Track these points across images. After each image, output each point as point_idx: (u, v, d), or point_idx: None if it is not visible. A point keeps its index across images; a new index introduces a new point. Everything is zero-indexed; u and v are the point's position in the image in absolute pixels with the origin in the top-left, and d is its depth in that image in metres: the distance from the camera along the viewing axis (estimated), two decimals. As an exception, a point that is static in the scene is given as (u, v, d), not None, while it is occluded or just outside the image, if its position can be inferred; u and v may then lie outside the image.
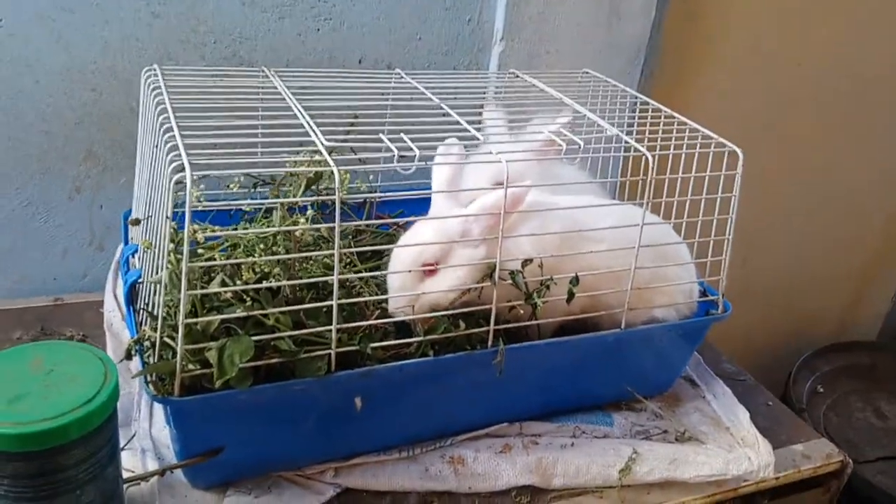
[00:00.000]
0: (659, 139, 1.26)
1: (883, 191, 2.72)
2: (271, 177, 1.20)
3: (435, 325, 1.13)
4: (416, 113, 1.21)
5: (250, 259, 0.98)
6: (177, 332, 0.97)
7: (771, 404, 1.51)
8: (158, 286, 0.98)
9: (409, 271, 1.12)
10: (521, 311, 1.16)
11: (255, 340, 0.99)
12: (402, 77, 1.43)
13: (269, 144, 1.07)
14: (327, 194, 1.10)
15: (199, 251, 0.99)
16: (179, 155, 0.94)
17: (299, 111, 1.14)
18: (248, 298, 1.00)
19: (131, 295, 1.16)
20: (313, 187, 1.10)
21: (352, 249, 1.09)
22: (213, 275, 1.04)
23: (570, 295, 1.16)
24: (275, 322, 1.02)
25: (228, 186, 1.11)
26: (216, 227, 1.04)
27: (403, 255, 1.13)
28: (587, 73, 1.61)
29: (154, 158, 1.09)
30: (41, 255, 1.56)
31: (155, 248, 1.03)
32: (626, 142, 1.20)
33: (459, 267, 1.12)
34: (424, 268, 1.12)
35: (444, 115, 1.23)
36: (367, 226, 1.42)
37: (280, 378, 1.03)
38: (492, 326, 1.15)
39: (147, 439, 1.20)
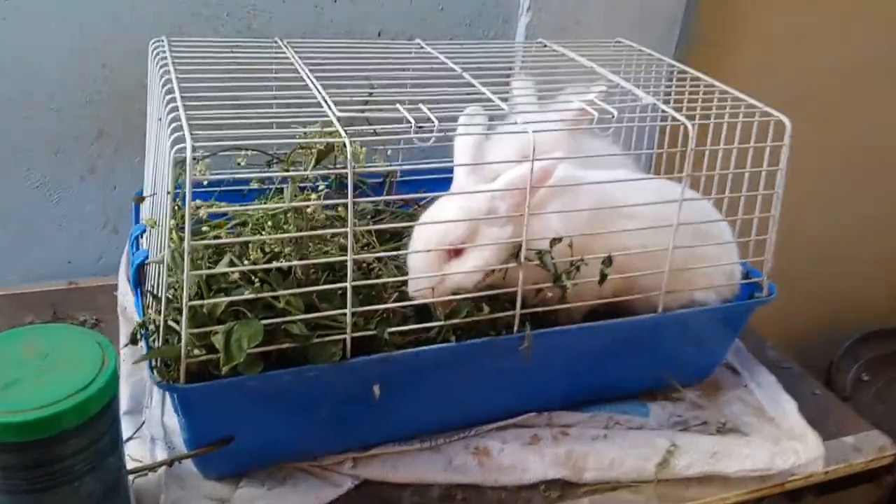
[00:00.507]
0: (699, 109, 1.16)
1: (933, 169, 2.58)
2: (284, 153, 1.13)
3: (457, 309, 1.05)
4: (437, 83, 1.13)
5: (256, 237, 0.91)
6: (181, 316, 0.91)
7: (818, 393, 1.41)
8: (161, 266, 0.92)
9: (431, 251, 1.05)
10: (550, 294, 1.09)
11: (264, 324, 0.93)
12: (422, 47, 1.35)
13: (280, 118, 1.01)
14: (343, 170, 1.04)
15: (205, 229, 0.93)
16: (181, 127, 0.88)
17: (312, 82, 1.08)
18: (257, 280, 0.94)
19: (139, 276, 1.10)
20: (327, 163, 1.03)
21: (368, 227, 1.02)
22: (221, 254, 0.98)
23: (603, 277, 1.08)
24: (286, 305, 0.96)
25: (238, 163, 1.05)
26: (222, 204, 0.98)
27: (426, 235, 1.06)
28: (620, 41, 1.51)
29: (158, 133, 1.03)
30: (55, 237, 1.52)
31: (159, 226, 0.97)
32: (663, 111, 1.12)
33: (485, 247, 1.05)
34: (449, 247, 1.05)
35: (467, 85, 1.16)
36: (386, 205, 1.35)
37: (292, 364, 0.97)
38: (518, 310, 1.08)
39: (158, 427, 1.15)
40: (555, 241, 1.06)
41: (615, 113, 1.06)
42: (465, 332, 1.07)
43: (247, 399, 0.99)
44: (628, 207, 1.13)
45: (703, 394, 1.34)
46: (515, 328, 1.08)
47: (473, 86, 1.14)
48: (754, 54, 2.05)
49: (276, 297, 0.95)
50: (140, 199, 1.10)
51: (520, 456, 1.14)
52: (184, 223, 0.86)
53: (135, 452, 1.08)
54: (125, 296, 1.39)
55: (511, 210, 1.06)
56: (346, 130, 0.92)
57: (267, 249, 0.97)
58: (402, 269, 1.12)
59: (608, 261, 1.09)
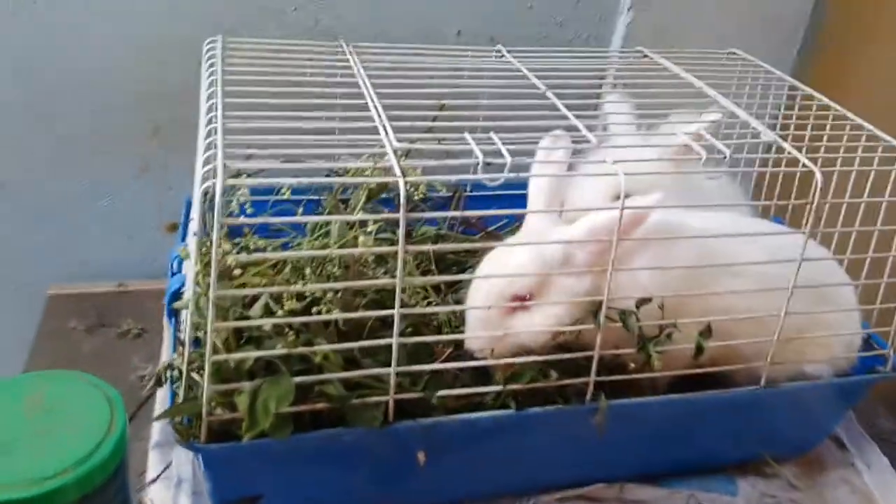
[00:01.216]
0: (822, 150, 0.97)
1: None
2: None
3: (520, 372, 0.91)
4: (516, 104, 0.98)
5: (293, 287, 0.79)
6: (204, 369, 0.80)
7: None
8: (188, 310, 0.81)
9: (492, 307, 0.90)
10: (632, 364, 0.93)
11: (297, 381, 0.81)
12: (502, 55, 1.20)
13: (334, 144, 0.88)
14: (397, 203, 0.90)
15: (237, 270, 0.82)
16: (214, 156, 0.77)
17: (372, 100, 0.94)
18: (292, 331, 0.82)
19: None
20: (380, 195, 0.90)
21: (424, 280, 0.88)
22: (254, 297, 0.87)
23: (699, 350, 0.91)
24: (323, 360, 0.83)
25: (279, 192, 0.93)
26: (257, 241, 0.86)
27: (488, 285, 0.91)
28: (734, 53, 1.31)
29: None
30: (106, 237, 1.45)
31: (189, 262, 0.86)
32: (786, 150, 0.93)
33: (557, 303, 0.90)
34: (514, 303, 0.90)
35: (550, 107, 1.00)
36: (450, 227, 1.21)
37: (327, 423, 0.86)
38: (592, 377, 0.92)
39: (187, 465, 1.06)
40: (643, 301, 0.90)
41: (728, 153, 0.89)
42: (527, 396, 0.93)
43: (274, 461, 0.88)
44: (737, 263, 0.95)
45: (801, 471, 1.16)
46: (588, 396, 0.94)
47: (557, 108, 0.99)
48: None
49: (308, 350, 0.83)
50: (172, 226, 0.99)
51: (583, 537, 1.00)
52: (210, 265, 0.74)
53: (157, 496, 0.99)
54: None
55: (591, 260, 0.90)
56: (401, 167, 0.78)
57: (307, 294, 0.85)
58: (459, 315, 0.98)
59: (708, 331, 0.92)
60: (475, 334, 0.91)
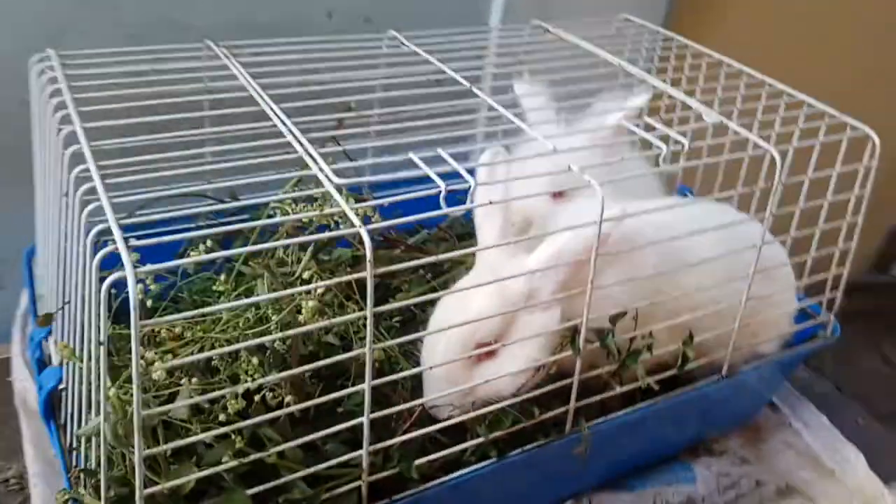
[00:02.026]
0: (776, 128, 0.93)
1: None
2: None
3: (498, 419, 0.80)
4: (426, 94, 0.85)
5: (238, 386, 0.62)
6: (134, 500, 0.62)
7: (862, 422, 1.25)
8: (94, 439, 0.62)
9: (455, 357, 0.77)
10: (616, 385, 0.85)
11: (252, 494, 0.65)
12: (397, 40, 1.05)
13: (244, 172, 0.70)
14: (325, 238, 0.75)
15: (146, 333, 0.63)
16: (108, 230, 0.57)
17: (271, 109, 0.76)
18: (236, 434, 0.65)
19: (52, 404, 0.79)
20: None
21: (395, 341, 0.72)
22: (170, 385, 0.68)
23: (685, 360, 0.85)
24: (279, 461, 0.67)
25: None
26: (169, 326, 0.67)
27: (446, 337, 0.78)
28: (629, 20, 1.25)
29: (64, 212, 0.71)
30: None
31: (78, 358, 0.66)
32: (735, 132, 0.87)
33: (526, 342, 0.79)
34: (479, 351, 0.78)
35: (469, 95, 0.88)
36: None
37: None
38: (572, 405, 0.83)
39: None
40: (617, 316, 0.82)
41: (686, 143, 0.81)
42: (506, 439, 0.82)
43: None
44: (690, 256, 0.89)
45: (745, 442, 1.15)
46: (569, 426, 0.85)
47: (482, 103, 0.86)
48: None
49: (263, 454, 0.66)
50: (45, 320, 0.77)
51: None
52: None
53: None
54: (23, 382, 1.06)
55: (558, 290, 0.79)
56: (355, 211, 0.63)
57: (243, 377, 0.68)
58: (414, 358, 0.85)
59: (690, 339, 0.85)
60: (440, 394, 0.78)
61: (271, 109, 0.79)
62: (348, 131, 0.85)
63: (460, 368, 0.78)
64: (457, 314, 0.78)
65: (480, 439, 0.79)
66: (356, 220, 0.62)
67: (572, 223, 0.76)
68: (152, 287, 0.71)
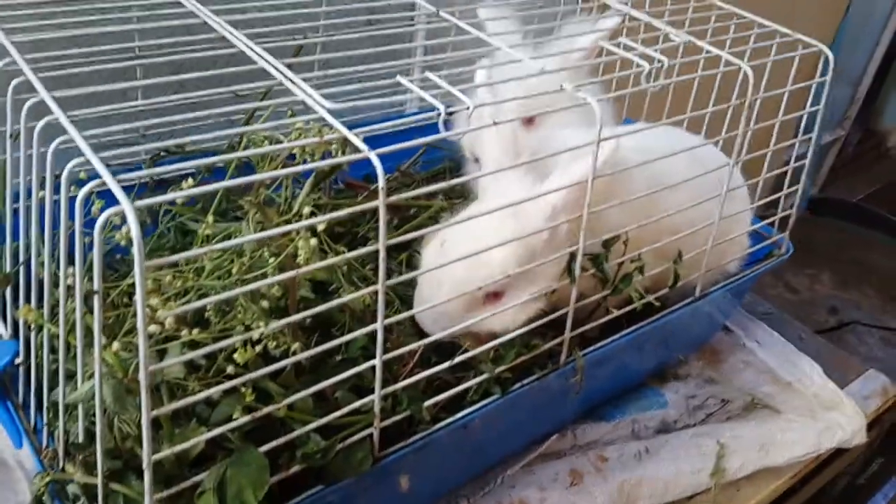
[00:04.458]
0: (728, 43, 0.93)
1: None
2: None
3: (502, 354, 0.77)
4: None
5: (247, 333, 0.56)
6: (131, 469, 0.55)
7: (805, 337, 1.31)
8: (81, 408, 0.55)
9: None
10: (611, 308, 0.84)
11: (265, 450, 0.60)
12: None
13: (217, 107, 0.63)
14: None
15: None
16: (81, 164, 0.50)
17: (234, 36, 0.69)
18: (246, 388, 0.59)
19: (3, 384, 0.70)
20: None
21: (403, 278, 0.66)
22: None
23: (675, 280, 0.85)
24: (288, 413, 0.62)
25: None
26: (165, 271, 0.59)
27: (455, 279, 0.74)
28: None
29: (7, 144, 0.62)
30: None
31: (48, 322, 0.58)
32: (707, 51, 0.87)
33: (536, 278, 0.76)
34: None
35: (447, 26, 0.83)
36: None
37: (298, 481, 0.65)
38: (567, 334, 0.82)
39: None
40: (611, 241, 0.81)
41: (666, 62, 0.80)
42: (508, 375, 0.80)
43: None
44: (671, 179, 0.89)
45: (706, 363, 1.19)
46: (563, 356, 0.83)
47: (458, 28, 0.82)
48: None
49: (274, 407, 0.61)
50: (4, 280, 0.67)
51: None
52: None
53: None
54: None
55: (572, 224, 0.77)
56: (360, 138, 0.58)
57: (246, 325, 0.62)
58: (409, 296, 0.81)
59: (679, 258, 0.85)
60: (440, 328, 0.74)
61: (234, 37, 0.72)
62: (304, 59, 0.78)
63: (465, 306, 0.75)
64: (467, 249, 0.73)
65: (486, 375, 0.76)
66: (361, 145, 0.57)
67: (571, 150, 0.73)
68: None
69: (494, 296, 0.76)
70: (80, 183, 0.51)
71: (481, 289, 0.73)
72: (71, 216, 0.53)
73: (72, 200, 0.51)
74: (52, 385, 0.62)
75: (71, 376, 0.60)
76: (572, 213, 0.74)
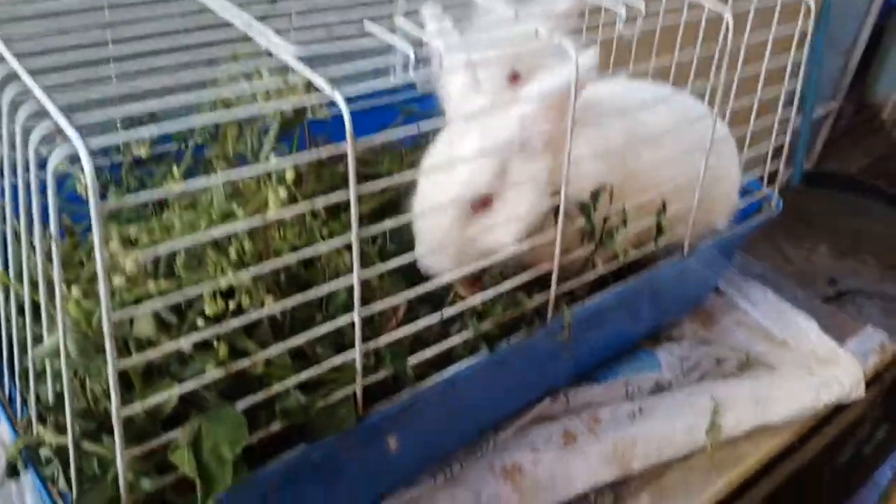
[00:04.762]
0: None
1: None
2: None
3: (488, 309, 0.76)
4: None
5: (216, 281, 0.54)
6: (104, 430, 0.54)
7: (800, 297, 1.30)
8: (49, 359, 0.53)
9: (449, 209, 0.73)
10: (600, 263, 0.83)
11: (243, 409, 0.58)
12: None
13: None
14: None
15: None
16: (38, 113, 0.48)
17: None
18: (221, 342, 0.58)
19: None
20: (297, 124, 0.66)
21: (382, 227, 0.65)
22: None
23: (659, 232, 0.83)
24: (267, 369, 0.61)
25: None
26: (122, 224, 0.58)
27: (439, 188, 0.73)
28: None
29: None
30: None
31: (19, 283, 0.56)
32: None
33: (524, 190, 0.75)
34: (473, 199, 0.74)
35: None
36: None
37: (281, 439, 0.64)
38: (553, 290, 0.81)
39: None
40: (597, 192, 0.79)
41: (642, 7, 0.79)
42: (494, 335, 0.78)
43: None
44: (653, 132, 0.87)
45: (700, 325, 1.18)
46: (550, 312, 0.82)
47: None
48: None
49: (249, 362, 0.59)
50: None
51: (561, 464, 0.90)
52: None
53: None
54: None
55: (545, 139, 0.75)
56: (328, 81, 0.56)
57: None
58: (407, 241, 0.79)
59: (664, 209, 0.84)
60: (434, 251, 0.73)
61: None
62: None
63: (456, 230, 0.73)
64: (444, 178, 0.72)
65: (472, 332, 0.74)
66: (326, 87, 0.56)
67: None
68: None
69: (483, 208, 0.74)
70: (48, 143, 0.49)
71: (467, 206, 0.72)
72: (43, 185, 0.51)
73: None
74: (24, 351, 0.61)
75: (40, 340, 0.59)
76: (545, 126, 0.73)
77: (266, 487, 0.64)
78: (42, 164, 0.50)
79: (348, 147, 0.55)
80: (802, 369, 1.07)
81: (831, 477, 1.40)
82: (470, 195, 0.73)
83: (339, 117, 0.56)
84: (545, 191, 0.75)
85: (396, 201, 0.83)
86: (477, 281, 0.78)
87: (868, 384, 1.13)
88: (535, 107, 0.73)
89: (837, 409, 1.09)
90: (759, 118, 1.01)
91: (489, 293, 0.74)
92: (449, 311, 0.71)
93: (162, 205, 0.82)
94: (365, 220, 0.60)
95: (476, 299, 0.73)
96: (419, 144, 1.08)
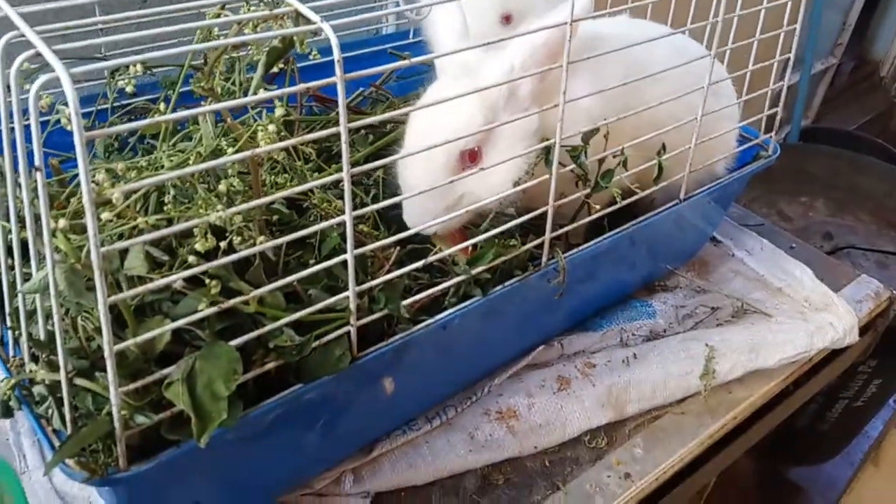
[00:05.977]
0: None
1: None
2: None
3: (480, 255, 0.75)
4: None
5: (206, 216, 0.53)
6: (97, 369, 0.54)
7: (795, 247, 1.29)
8: (39, 297, 0.53)
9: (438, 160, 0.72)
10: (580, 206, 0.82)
11: (237, 346, 0.58)
12: None
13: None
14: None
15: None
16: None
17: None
18: (213, 279, 0.57)
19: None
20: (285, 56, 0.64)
21: (374, 164, 0.64)
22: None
23: (659, 172, 0.83)
24: (259, 308, 0.60)
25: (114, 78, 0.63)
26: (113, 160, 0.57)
27: (428, 141, 0.72)
28: None
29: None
30: None
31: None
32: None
33: (513, 142, 0.74)
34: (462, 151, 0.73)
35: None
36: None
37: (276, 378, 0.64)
38: (548, 234, 0.80)
39: (51, 495, 0.77)
40: (591, 133, 0.78)
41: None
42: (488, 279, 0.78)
43: (219, 457, 0.64)
44: (650, 70, 0.86)
45: (695, 275, 1.18)
46: (545, 257, 0.81)
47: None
48: None
49: (242, 298, 0.59)
50: None
51: (554, 408, 0.91)
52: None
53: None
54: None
55: (536, 91, 0.75)
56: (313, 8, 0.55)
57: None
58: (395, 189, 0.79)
59: (663, 148, 0.83)
60: (423, 208, 0.72)
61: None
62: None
63: (442, 175, 0.73)
64: (434, 126, 0.72)
65: (462, 276, 0.74)
66: (314, 16, 0.55)
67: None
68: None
69: (472, 157, 0.74)
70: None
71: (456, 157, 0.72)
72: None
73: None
74: (14, 291, 0.61)
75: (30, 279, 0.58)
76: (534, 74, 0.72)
77: (261, 427, 0.65)
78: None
79: (338, 81, 0.54)
80: (797, 317, 1.07)
81: (826, 427, 1.41)
82: (458, 152, 0.72)
83: (330, 63, 0.55)
84: (534, 141, 0.74)
85: (387, 152, 0.82)
86: (462, 234, 0.77)
87: (862, 332, 1.14)
88: (525, 56, 0.72)
89: (832, 356, 1.10)
90: (758, 64, 0.99)
91: (479, 238, 0.73)
92: (440, 255, 0.70)
93: (151, 152, 0.81)
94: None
95: (456, 250, 0.73)
96: (410, 96, 1.07)
